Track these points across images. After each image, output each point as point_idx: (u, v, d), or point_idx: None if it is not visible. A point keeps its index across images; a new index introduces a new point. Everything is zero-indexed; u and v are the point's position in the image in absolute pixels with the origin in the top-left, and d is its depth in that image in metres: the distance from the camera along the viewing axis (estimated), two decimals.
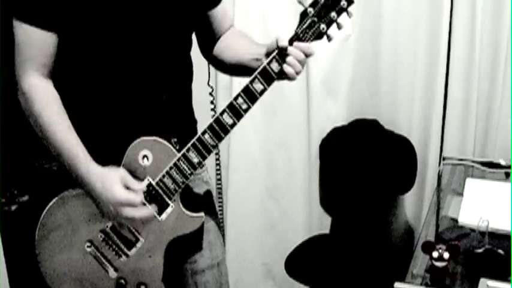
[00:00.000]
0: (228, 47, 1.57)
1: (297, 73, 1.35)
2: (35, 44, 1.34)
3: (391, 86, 2.54)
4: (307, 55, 1.34)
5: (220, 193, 2.76)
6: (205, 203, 1.58)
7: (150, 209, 1.38)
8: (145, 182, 1.38)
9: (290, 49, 1.32)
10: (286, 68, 1.33)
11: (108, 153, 1.38)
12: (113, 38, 1.34)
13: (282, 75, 1.34)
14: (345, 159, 2.58)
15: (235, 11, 2.52)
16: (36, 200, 1.45)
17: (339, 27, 1.33)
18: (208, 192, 1.62)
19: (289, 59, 1.33)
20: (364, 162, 2.54)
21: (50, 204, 1.43)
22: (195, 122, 1.58)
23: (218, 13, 1.57)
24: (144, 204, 1.37)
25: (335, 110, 2.63)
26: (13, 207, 2.28)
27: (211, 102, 2.54)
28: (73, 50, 1.36)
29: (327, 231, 2.71)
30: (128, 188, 1.34)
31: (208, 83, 2.47)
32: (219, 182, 2.74)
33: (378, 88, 2.57)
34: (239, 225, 2.74)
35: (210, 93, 2.53)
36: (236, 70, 1.53)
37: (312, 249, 2.53)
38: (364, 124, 2.59)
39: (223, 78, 2.54)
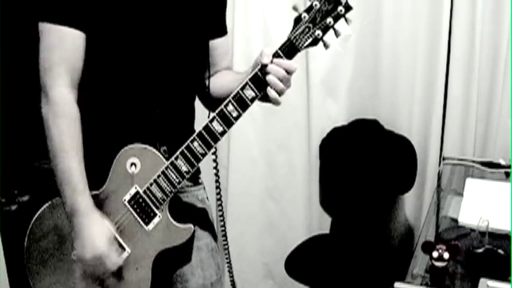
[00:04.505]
0: (219, 82, 1.52)
1: (279, 93, 1.30)
2: (67, 46, 1.32)
3: (391, 86, 2.54)
4: (289, 72, 1.29)
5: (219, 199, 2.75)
6: (199, 222, 1.53)
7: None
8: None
9: (270, 67, 1.28)
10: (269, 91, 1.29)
11: (98, 158, 1.36)
12: (126, 43, 1.34)
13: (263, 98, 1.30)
14: (345, 159, 2.57)
15: (235, 11, 2.52)
16: (36, 200, 1.43)
17: (337, 34, 1.28)
18: (203, 211, 1.57)
19: (268, 77, 1.28)
20: (364, 163, 2.54)
21: (40, 211, 1.40)
22: (193, 133, 1.53)
23: (220, 47, 1.54)
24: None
25: (335, 110, 2.63)
26: (13, 207, 2.28)
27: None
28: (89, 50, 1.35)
29: (327, 231, 2.71)
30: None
31: None
32: (217, 184, 2.72)
33: (378, 88, 2.57)
34: (239, 225, 2.74)
35: None
36: None
37: (312, 249, 2.52)
38: (364, 124, 2.59)
39: None
